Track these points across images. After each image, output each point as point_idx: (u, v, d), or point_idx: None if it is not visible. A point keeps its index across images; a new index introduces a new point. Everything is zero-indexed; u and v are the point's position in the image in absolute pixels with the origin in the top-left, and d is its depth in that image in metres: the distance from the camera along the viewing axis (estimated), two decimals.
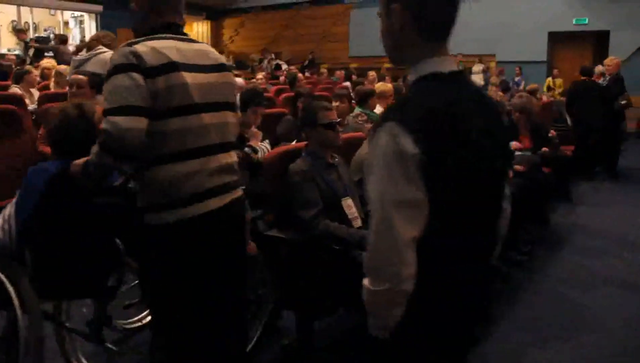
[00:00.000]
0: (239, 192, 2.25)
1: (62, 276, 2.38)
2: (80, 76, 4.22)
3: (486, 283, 1.66)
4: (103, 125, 1.88)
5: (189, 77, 2.01)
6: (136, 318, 3.25)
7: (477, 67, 15.23)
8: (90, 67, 4.97)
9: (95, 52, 5.11)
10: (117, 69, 1.92)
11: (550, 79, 14.31)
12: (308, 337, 3.16)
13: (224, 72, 2.22)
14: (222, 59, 2.27)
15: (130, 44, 1.97)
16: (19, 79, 7.11)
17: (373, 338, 1.50)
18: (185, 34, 2.17)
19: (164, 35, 2.07)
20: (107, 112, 1.89)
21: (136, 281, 3.11)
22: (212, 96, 2.11)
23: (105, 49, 5.16)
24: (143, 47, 1.95)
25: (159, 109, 1.94)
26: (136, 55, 1.92)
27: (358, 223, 3.05)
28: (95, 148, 1.93)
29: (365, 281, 1.40)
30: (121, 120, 1.85)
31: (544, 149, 5.47)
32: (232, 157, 2.22)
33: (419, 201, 1.31)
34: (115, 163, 1.91)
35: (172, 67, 1.97)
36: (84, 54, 5.38)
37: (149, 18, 2.16)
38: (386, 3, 1.44)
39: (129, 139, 1.85)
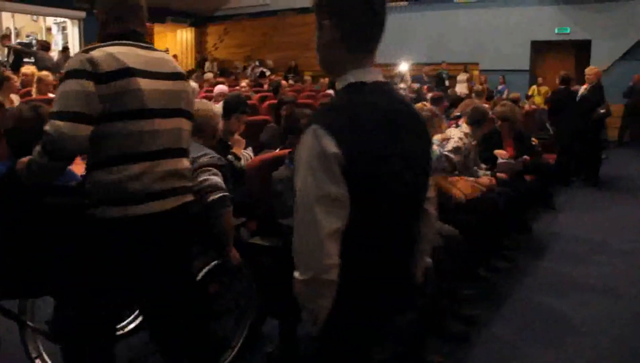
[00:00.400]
0: (188, 197, 2.28)
1: (16, 275, 2.36)
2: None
3: (408, 274, 1.77)
4: (47, 127, 1.93)
5: (143, 83, 2.05)
6: (126, 322, 3.20)
7: (462, 76, 15.34)
8: None
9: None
10: (69, 74, 1.98)
11: (534, 87, 14.42)
12: (291, 344, 3.15)
13: (180, 80, 2.26)
14: (179, 68, 2.32)
15: (87, 50, 2.02)
16: None
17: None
18: (146, 42, 2.21)
19: (123, 42, 2.11)
20: (52, 115, 1.95)
21: None
22: (167, 102, 2.15)
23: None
24: (99, 53, 2.00)
25: (110, 112, 1.98)
26: (91, 61, 1.97)
27: None
28: (37, 148, 1.98)
29: (295, 273, 1.51)
30: (64, 125, 1.90)
31: (525, 157, 5.51)
32: (184, 163, 2.26)
33: (340, 196, 1.43)
34: (50, 163, 1.96)
35: (127, 72, 2.02)
36: None
37: (109, 24, 2.20)
38: (319, 19, 1.58)
39: (69, 145, 1.92)
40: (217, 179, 2.80)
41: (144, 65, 2.09)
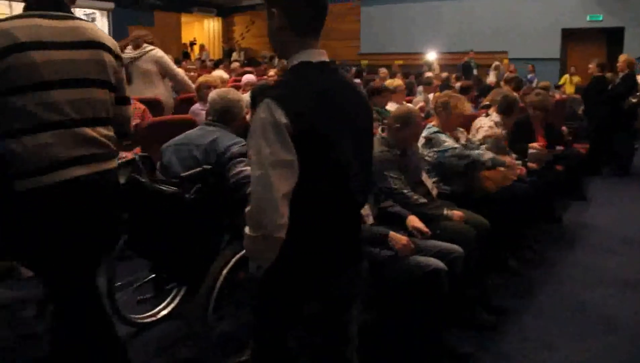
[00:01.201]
0: (109, 164, 2.28)
1: None
2: None
3: (352, 237, 1.94)
4: None
5: (38, 55, 2.07)
6: (150, 313, 3.28)
7: (494, 65, 15.11)
8: (142, 63, 5.64)
9: (145, 49, 5.64)
10: None
11: (567, 76, 14.17)
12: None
13: (97, 49, 2.25)
14: (101, 38, 2.29)
15: None
16: None
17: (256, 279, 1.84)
18: (66, 10, 2.23)
19: (31, 12, 2.15)
20: None
21: (150, 277, 3.15)
22: (71, 72, 2.15)
23: (151, 47, 5.70)
24: None
25: (3, 88, 2.04)
26: None
27: (370, 220, 3.05)
28: None
29: (246, 229, 1.67)
30: None
31: (559, 147, 5.43)
32: (101, 131, 2.24)
33: (291, 161, 1.63)
34: None
35: (16, 48, 2.03)
36: (129, 51, 5.68)
37: None
38: (268, 7, 1.77)
39: None
40: (250, 169, 2.81)
41: (46, 36, 2.10)
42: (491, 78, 13.46)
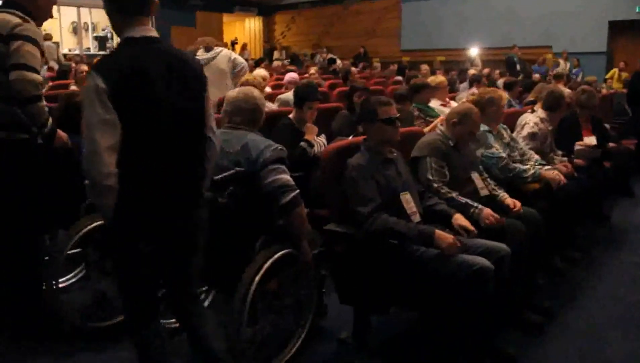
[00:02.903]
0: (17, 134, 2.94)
1: None
2: None
3: (187, 186, 2.26)
4: None
5: None
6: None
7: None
8: (218, 63, 6.26)
9: (217, 51, 6.31)
10: None
11: (616, 70, 13.74)
12: (364, 333, 3.18)
13: None
14: None
15: None
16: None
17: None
18: None
19: None
20: None
21: None
22: None
23: (222, 48, 6.44)
24: None
25: None
26: None
27: (417, 217, 3.04)
28: None
29: (86, 181, 2.06)
30: None
31: (611, 144, 5.31)
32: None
33: (109, 120, 1.98)
34: None
35: None
36: (202, 54, 6.31)
37: None
38: None
39: None
40: (286, 176, 2.78)
41: None
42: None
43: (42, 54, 3.05)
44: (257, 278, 2.60)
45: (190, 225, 2.30)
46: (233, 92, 3.05)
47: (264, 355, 2.78)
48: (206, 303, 3.35)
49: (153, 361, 2.34)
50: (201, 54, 6.29)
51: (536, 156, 4.36)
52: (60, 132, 3.22)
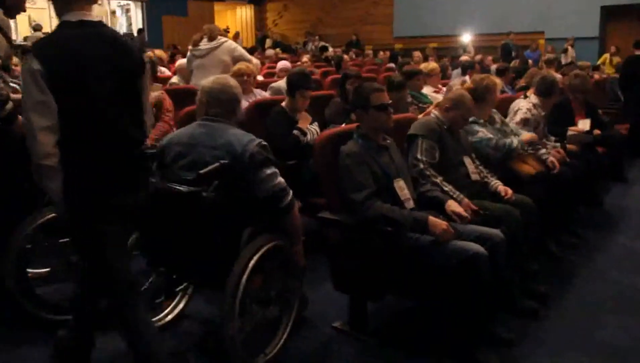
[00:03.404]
0: None
1: None
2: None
3: (126, 162, 2.28)
4: None
5: None
6: (158, 317, 3.18)
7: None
8: (220, 54, 6.13)
9: (220, 41, 6.19)
10: None
11: (607, 55, 13.75)
12: (360, 320, 3.19)
13: None
14: None
15: None
16: None
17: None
18: None
19: None
20: None
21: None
22: None
23: (225, 39, 6.32)
24: None
25: None
26: None
27: (410, 204, 3.04)
28: None
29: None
30: None
31: (597, 131, 5.33)
32: None
33: (47, 102, 2.05)
34: None
35: None
36: (205, 43, 6.22)
37: None
38: None
39: None
40: (281, 179, 2.75)
41: None
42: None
43: (9, 40, 3.13)
44: (247, 271, 2.55)
45: (134, 206, 2.32)
46: (208, 82, 2.88)
47: (252, 347, 2.74)
48: (184, 301, 3.27)
49: (144, 342, 2.34)
50: (204, 43, 6.22)
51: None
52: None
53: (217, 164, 2.59)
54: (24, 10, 3.29)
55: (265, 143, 2.76)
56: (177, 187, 2.53)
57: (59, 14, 2.22)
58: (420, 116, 4.14)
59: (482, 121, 4.02)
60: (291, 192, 2.78)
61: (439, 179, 3.33)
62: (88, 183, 2.19)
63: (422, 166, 3.35)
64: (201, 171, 2.55)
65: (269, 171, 2.70)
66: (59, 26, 2.21)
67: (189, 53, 6.48)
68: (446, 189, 3.30)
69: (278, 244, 2.77)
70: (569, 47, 14.64)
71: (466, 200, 3.26)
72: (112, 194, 2.23)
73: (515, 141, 4.03)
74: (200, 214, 2.52)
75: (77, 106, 2.12)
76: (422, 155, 3.38)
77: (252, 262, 2.58)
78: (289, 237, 2.84)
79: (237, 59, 5.97)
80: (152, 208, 2.53)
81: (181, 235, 2.62)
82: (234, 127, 2.79)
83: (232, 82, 2.90)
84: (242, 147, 2.65)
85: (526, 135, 4.23)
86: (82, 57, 2.12)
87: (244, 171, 2.65)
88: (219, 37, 6.25)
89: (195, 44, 6.33)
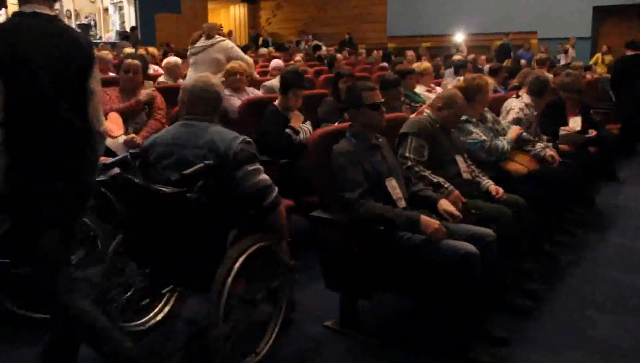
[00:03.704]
0: None
1: None
2: (136, 62, 4.26)
3: (62, 148, 2.31)
4: None
5: None
6: (143, 320, 3.11)
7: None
8: (213, 52, 6.16)
9: (216, 40, 6.22)
10: None
11: (599, 55, 13.80)
12: (352, 318, 3.18)
13: None
14: None
15: None
16: None
17: None
18: None
19: None
20: None
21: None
22: None
23: (222, 38, 6.36)
24: None
25: None
26: None
27: (402, 203, 3.04)
28: None
29: None
30: None
31: (592, 132, 5.35)
32: None
33: None
34: None
35: None
36: (202, 42, 6.28)
37: None
38: None
39: None
40: (265, 176, 2.70)
41: None
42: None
43: None
44: (233, 273, 2.50)
45: (74, 193, 2.36)
46: (190, 81, 2.84)
47: (241, 349, 2.71)
48: (172, 302, 3.20)
49: (101, 327, 2.34)
50: (201, 42, 6.28)
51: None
52: None
53: (201, 164, 2.54)
54: (6, 7, 3.27)
55: (249, 140, 2.72)
56: (162, 188, 2.47)
57: (20, 6, 2.30)
58: (412, 116, 4.14)
59: (474, 120, 4.02)
60: (276, 189, 2.73)
61: (427, 173, 3.34)
62: (26, 165, 2.26)
63: (409, 163, 3.36)
64: (185, 172, 2.51)
65: (252, 168, 2.65)
66: (12, 15, 2.31)
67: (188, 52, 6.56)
68: (436, 180, 3.31)
69: (264, 245, 2.72)
70: (570, 48, 14.69)
71: (456, 192, 3.28)
72: (49, 179, 2.28)
73: (506, 144, 4.04)
74: (185, 215, 2.48)
75: (17, 91, 2.20)
76: (410, 153, 3.39)
77: (237, 265, 2.52)
78: (275, 236, 2.80)
79: (232, 59, 5.93)
80: (137, 208, 2.52)
81: (165, 236, 2.58)
82: (217, 125, 2.76)
83: (214, 80, 2.87)
84: (225, 145, 2.62)
85: (512, 132, 4.23)
86: (25, 45, 2.20)
87: (228, 169, 2.61)
88: (217, 36, 6.29)
89: (194, 42, 6.39)
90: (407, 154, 3.39)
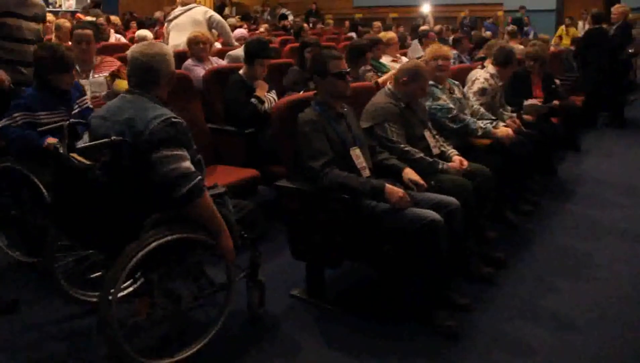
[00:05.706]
0: None
1: None
2: (87, 31, 4.10)
3: None
4: None
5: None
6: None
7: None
8: (194, 14, 6.34)
9: (194, 5, 6.46)
10: None
11: (562, 27, 13.91)
12: (318, 287, 3.20)
13: None
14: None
15: None
16: None
17: None
18: None
19: None
20: None
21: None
22: None
23: (196, 5, 6.54)
24: None
25: None
26: None
27: (366, 172, 3.04)
28: None
29: None
30: None
31: (555, 102, 5.42)
32: None
33: None
34: None
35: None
36: (179, 9, 6.51)
37: None
38: None
39: None
40: (185, 164, 2.35)
41: None
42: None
43: None
44: (139, 255, 2.29)
45: None
46: (132, 49, 2.57)
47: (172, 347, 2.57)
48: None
49: None
50: (179, 9, 6.49)
51: (489, 116, 4.39)
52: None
53: (106, 140, 2.31)
54: None
55: (177, 121, 2.39)
56: (73, 160, 2.33)
57: None
58: (380, 80, 4.13)
59: (441, 86, 4.02)
60: (197, 181, 2.37)
61: (422, 154, 3.39)
62: None
63: (401, 146, 3.35)
64: (82, 145, 2.36)
65: (168, 153, 2.32)
66: None
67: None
68: (431, 160, 3.41)
69: (186, 237, 2.44)
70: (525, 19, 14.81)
71: (454, 161, 3.46)
72: None
73: (478, 124, 4.06)
74: (90, 190, 2.31)
75: None
76: (396, 138, 3.37)
77: (147, 249, 2.31)
78: (205, 231, 2.48)
79: (212, 22, 6.38)
80: (58, 177, 2.42)
81: (79, 209, 2.40)
82: (151, 101, 2.44)
83: (157, 47, 2.55)
84: (144, 123, 2.32)
85: (500, 132, 4.15)
86: None
87: (142, 150, 2.32)
88: (192, 3, 6.50)
89: (169, 13, 6.73)
90: (394, 139, 3.36)
